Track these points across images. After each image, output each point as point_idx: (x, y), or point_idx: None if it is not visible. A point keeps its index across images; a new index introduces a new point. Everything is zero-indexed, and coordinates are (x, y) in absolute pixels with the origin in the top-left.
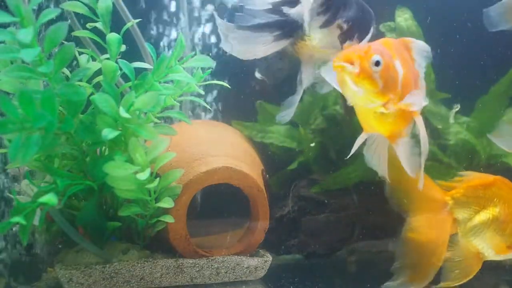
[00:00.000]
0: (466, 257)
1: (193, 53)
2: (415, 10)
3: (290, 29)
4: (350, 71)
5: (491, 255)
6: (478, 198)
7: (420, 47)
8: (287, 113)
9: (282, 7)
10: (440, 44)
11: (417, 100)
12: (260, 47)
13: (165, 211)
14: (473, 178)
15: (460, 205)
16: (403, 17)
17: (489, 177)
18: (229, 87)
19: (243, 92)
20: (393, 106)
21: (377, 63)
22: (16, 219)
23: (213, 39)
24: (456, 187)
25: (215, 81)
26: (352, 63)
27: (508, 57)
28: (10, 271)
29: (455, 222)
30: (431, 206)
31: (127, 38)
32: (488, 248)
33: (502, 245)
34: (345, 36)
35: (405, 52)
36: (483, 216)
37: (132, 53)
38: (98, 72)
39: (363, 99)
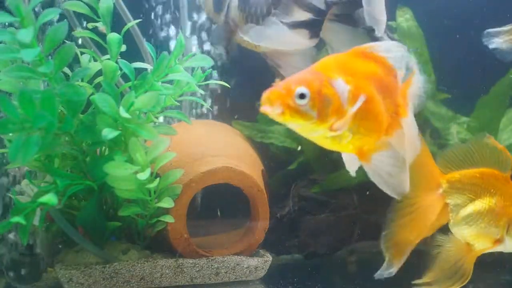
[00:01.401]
0: (456, 249)
1: (193, 52)
2: (415, 10)
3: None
4: (273, 114)
5: (480, 247)
6: (474, 186)
7: (387, 48)
8: None
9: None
10: (440, 44)
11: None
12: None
13: (165, 211)
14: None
15: (455, 191)
16: (404, 17)
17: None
18: (229, 86)
19: (243, 92)
20: (343, 126)
21: (302, 96)
22: (16, 219)
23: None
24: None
25: (214, 81)
26: (273, 105)
27: None
28: (10, 271)
29: (446, 209)
30: (424, 184)
31: (127, 38)
32: (478, 239)
33: (492, 238)
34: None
35: (360, 62)
36: (478, 205)
37: (132, 53)
38: (99, 73)
39: (303, 131)
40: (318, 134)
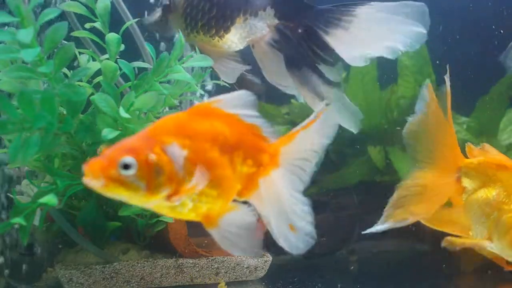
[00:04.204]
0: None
1: (192, 53)
2: None
3: None
4: (95, 187)
5: (478, 236)
6: (484, 175)
7: (231, 99)
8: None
9: None
10: (440, 44)
11: (200, 179)
12: None
13: None
14: (492, 154)
15: (470, 176)
16: None
17: (507, 161)
18: (229, 86)
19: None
20: (180, 199)
21: (127, 167)
22: (16, 219)
23: None
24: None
25: (214, 81)
26: (95, 177)
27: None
28: (10, 271)
29: (460, 193)
30: (444, 164)
31: (127, 37)
32: (474, 228)
33: (485, 232)
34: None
35: (202, 121)
36: (478, 193)
37: (132, 52)
38: (98, 72)
39: (134, 202)
40: (152, 204)
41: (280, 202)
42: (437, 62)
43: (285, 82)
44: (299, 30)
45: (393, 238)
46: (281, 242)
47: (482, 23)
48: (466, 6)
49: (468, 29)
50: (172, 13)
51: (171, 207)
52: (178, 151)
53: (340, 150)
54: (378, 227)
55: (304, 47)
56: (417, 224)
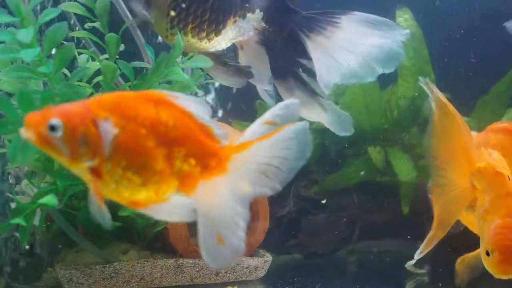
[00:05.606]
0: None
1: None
2: (415, 10)
3: None
4: (29, 139)
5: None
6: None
7: (188, 97)
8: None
9: None
10: (440, 44)
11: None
12: None
13: None
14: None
15: (478, 181)
16: (404, 18)
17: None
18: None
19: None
20: (103, 173)
21: (53, 128)
22: (16, 220)
23: None
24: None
25: (212, 80)
26: (29, 130)
27: (508, 57)
28: (10, 271)
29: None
30: (459, 171)
31: (127, 37)
32: (473, 226)
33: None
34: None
35: (149, 107)
36: (480, 200)
37: (132, 53)
38: (98, 72)
39: (63, 164)
40: (77, 172)
41: (215, 209)
42: (437, 62)
43: (268, 86)
44: (284, 34)
45: (393, 238)
46: (202, 250)
47: (482, 23)
48: (466, 6)
49: (468, 29)
50: (152, 7)
51: (95, 183)
52: (110, 128)
53: (340, 150)
54: (416, 258)
55: (288, 52)
56: (417, 224)
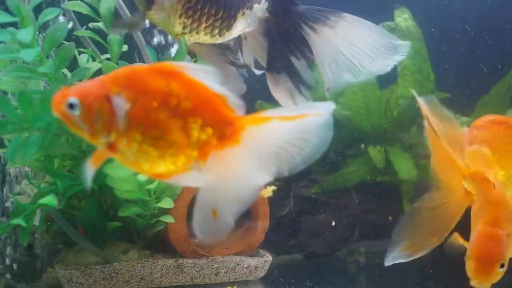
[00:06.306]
0: None
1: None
2: (415, 10)
3: None
4: (58, 117)
5: None
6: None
7: (197, 67)
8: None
9: None
10: (440, 44)
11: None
12: None
13: (165, 211)
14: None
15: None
16: (403, 17)
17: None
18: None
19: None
20: (120, 147)
21: (72, 106)
22: (16, 220)
23: None
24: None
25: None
26: (55, 109)
27: (508, 57)
28: (10, 271)
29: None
30: (449, 184)
31: (127, 38)
32: None
33: None
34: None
35: (159, 79)
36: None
37: (133, 53)
38: (99, 72)
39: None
40: (100, 148)
41: (220, 181)
42: (437, 62)
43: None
44: (288, 25)
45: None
46: (194, 219)
47: (482, 23)
48: (466, 5)
49: (468, 29)
50: (155, 8)
51: (116, 157)
52: (122, 103)
53: (340, 150)
54: (396, 259)
55: (288, 46)
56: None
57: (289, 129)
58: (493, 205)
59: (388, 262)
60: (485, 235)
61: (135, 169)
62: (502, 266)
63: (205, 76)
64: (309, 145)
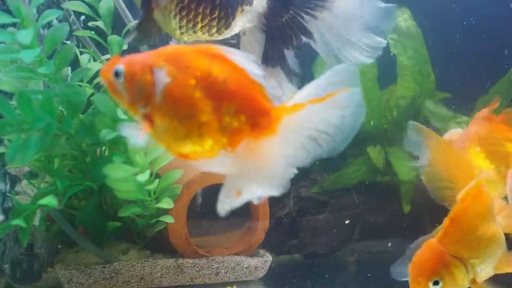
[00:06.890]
0: None
1: None
2: (415, 10)
3: None
4: (102, 84)
5: None
6: None
7: (241, 53)
8: None
9: None
10: (440, 44)
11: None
12: None
13: (165, 211)
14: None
15: None
16: (403, 17)
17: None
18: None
19: None
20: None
21: (117, 74)
22: (16, 221)
23: None
24: None
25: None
26: (102, 76)
27: (508, 57)
28: (10, 271)
29: None
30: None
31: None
32: None
33: None
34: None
35: (204, 60)
36: None
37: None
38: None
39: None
40: (137, 119)
41: (253, 170)
42: (437, 62)
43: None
44: (286, 17)
45: (393, 238)
46: (220, 199)
47: (482, 23)
48: (467, 5)
49: (468, 29)
50: (156, 8)
51: (151, 132)
52: (163, 76)
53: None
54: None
55: (285, 37)
56: (417, 224)
57: (324, 110)
58: (451, 221)
59: (397, 277)
60: (426, 247)
61: (164, 146)
62: (436, 283)
63: (247, 65)
64: (345, 121)
